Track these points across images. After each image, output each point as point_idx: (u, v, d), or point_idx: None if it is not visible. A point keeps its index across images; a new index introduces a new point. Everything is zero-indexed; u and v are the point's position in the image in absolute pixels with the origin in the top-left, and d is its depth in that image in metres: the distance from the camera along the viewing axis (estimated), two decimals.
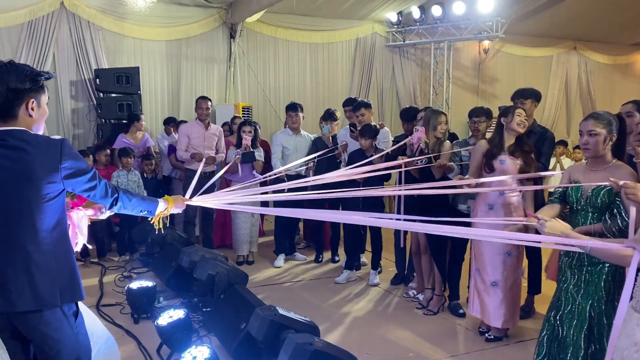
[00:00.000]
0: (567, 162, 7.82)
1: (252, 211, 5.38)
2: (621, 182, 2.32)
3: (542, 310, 4.29)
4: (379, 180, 4.77)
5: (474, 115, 4.56)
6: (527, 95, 4.30)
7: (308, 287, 5.27)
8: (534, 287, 4.47)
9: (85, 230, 2.54)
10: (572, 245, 2.13)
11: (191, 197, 2.72)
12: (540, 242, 2.50)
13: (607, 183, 2.58)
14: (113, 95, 7.43)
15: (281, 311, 3.06)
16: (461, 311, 4.45)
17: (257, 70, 9.13)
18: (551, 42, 11.42)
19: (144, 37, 8.22)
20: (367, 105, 5.54)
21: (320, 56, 9.66)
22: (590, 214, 2.78)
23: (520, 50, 11.18)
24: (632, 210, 2.36)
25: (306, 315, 3.33)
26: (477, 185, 3.78)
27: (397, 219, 3.37)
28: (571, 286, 2.84)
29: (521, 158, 3.80)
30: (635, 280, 2.11)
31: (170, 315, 3.54)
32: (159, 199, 2.54)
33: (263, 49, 9.18)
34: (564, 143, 8.35)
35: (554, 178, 5.18)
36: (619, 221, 2.64)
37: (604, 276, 2.72)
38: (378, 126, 5.68)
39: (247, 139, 5.67)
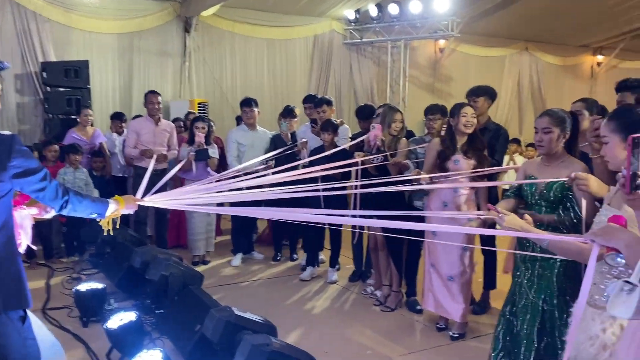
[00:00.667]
0: (519, 159, 8.00)
1: (207, 211, 5.25)
2: (573, 174, 2.37)
3: (497, 305, 4.36)
4: (341, 178, 4.70)
5: (429, 113, 4.59)
6: (480, 93, 4.35)
7: (266, 286, 5.19)
8: (489, 282, 4.53)
9: (29, 230, 2.38)
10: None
11: (143, 196, 2.59)
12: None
13: (562, 179, 2.64)
14: (61, 89, 7.13)
15: (237, 312, 2.97)
16: (418, 307, 4.47)
17: (213, 65, 8.95)
18: (504, 43, 11.68)
19: (94, 30, 7.93)
20: (329, 102, 5.54)
21: (278, 52, 9.56)
22: (543, 208, 2.83)
23: (475, 49, 11.38)
24: (583, 203, 2.40)
25: (264, 315, 3.26)
26: (435, 182, 3.81)
27: (353, 216, 3.34)
28: (525, 280, 2.88)
29: (475, 157, 3.82)
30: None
31: (121, 318, 3.39)
32: (109, 200, 2.40)
33: (219, 44, 9.02)
34: (516, 141, 8.54)
35: (508, 175, 5.28)
36: (571, 214, 2.69)
37: (556, 271, 2.76)
38: (338, 123, 5.66)
39: (200, 136, 5.52)
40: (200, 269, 5.23)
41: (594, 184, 2.34)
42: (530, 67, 12.24)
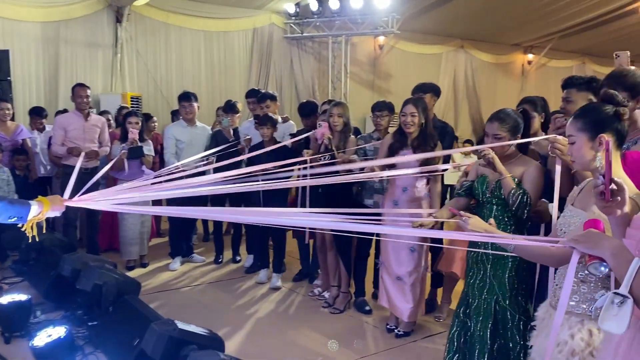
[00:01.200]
0: (458, 157, 8.10)
1: (142, 212, 4.93)
2: (551, 136, 2.32)
3: (452, 306, 4.35)
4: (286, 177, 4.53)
5: (376, 110, 4.49)
6: (426, 90, 4.30)
7: (208, 291, 4.94)
8: (437, 280, 4.50)
9: None
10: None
11: (71, 197, 2.31)
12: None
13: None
14: None
15: (180, 325, 2.74)
16: (367, 308, 4.38)
17: (147, 57, 8.51)
18: (441, 40, 11.86)
19: (16, 18, 7.32)
20: (273, 97, 5.36)
21: (216, 45, 9.23)
22: (495, 206, 2.80)
23: (413, 47, 11.48)
24: (555, 205, 2.35)
25: (206, 322, 3.05)
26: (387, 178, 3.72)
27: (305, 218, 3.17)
28: (477, 281, 2.84)
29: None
30: (554, 278, 2.09)
31: (49, 333, 3.09)
32: (31, 202, 2.11)
33: (153, 35, 8.58)
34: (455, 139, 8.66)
35: (454, 174, 5.27)
36: (526, 211, 2.66)
37: (509, 270, 2.74)
38: (281, 119, 5.48)
39: (133, 132, 5.15)
40: (136, 273, 4.91)
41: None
42: (466, 64, 12.50)
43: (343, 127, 4.28)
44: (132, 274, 4.97)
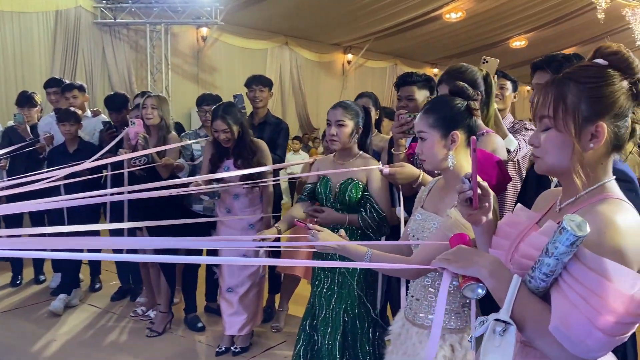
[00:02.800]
0: (289, 156, 8.05)
1: None
2: (385, 170, 2.18)
3: (293, 311, 4.13)
4: (90, 183, 3.81)
5: (203, 104, 4.09)
6: (265, 83, 4.04)
7: (2, 322, 4.06)
8: (274, 286, 4.26)
9: None
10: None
11: None
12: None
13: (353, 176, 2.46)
14: None
15: None
16: (200, 325, 3.96)
17: None
18: (266, 36, 11.73)
19: None
20: (81, 88, 4.64)
21: (9, 27, 7.89)
22: (339, 211, 2.61)
23: (238, 41, 11.18)
24: (402, 210, 2.22)
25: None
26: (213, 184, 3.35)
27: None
28: (325, 290, 2.64)
29: (244, 166, 3.34)
30: (407, 290, 1.94)
31: None
32: None
33: None
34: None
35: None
36: (375, 216, 2.51)
37: (357, 277, 2.57)
38: (90, 113, 4.77)
39: None
40: None
41: (405, 179, 2.21)
42: (291, 61, 12.55)
43: (160, 122, 3.78)
44: None
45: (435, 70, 15.40)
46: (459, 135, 1.71)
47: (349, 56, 14.02)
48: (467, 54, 14.48)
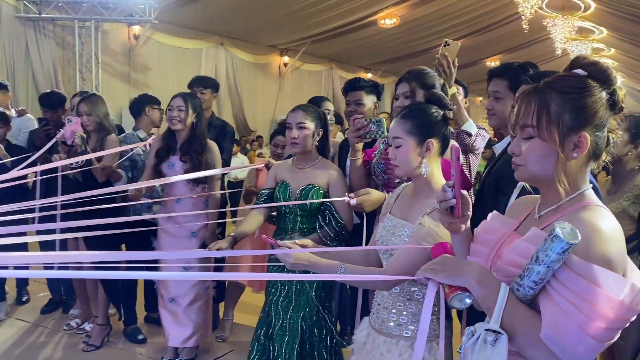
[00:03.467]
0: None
1: None
2: (352, 202, 2.15)
3: (238, 320, 4.01)
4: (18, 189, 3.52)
5: (147, 104, 3.93)
6: (207, 84, 3.91)
7: None
8: (218, 294, 4.12)
9: None
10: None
11: None
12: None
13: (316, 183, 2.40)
14: None
15: None
16: (140, 337, 3.77)
17: None
18: (201, 36, 11.47)
19: None
20: (3, 86, 4.29)
21: None
22: (299, 217, 2.54)
23: (172, 40, 10.86)
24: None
25: None
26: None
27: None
28: (281, 299, 2.56)
29: (191, 161, 3.23)
30: (375, 296, 1.91)
31: None
32: None
33: None
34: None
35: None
36: (334, 225, 2.47)
37: (315, 284, 2.52)
38: (15, 112, 4.46)
39: None
40: None
41: (372, 206, 2.19)
42: (227, 62, 12.34)
43: (98, 125, 3.58)
44: None
45: (369, 75, 15.64)
46: (434, 143, 1.72)
47: (286, 58, 13.97)
48: (400, 60, 14.84)
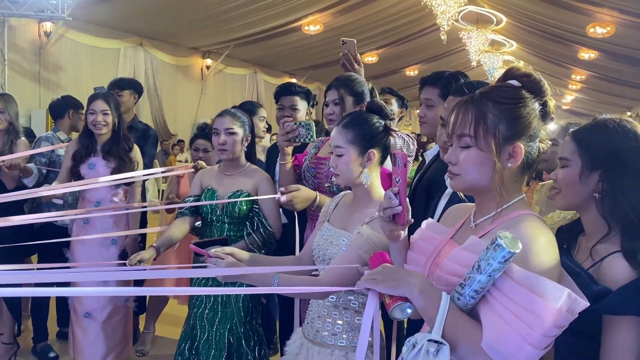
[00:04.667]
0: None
1: None
2: (282, 198, 2.10)
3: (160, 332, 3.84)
4: None
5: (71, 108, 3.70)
6: (124, 86, 3.73)
7: None
8: (139, 307, 3.92)
9: None
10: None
11: None
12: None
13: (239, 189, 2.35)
14: None
15: None
16: (52, 354, 3.51)
17: None
18: (118, 35, 10.98)
19: None
20: None
21: None
22: (227, 225, 2.47)
23: (87, 39, 10.31)
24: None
25: None
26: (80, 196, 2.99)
27: None
28: (207, 311, 2.47)
29: (116, 159, 3.13)
30: (310, 307, 1.87)
31: None
32: None
33: None
34: None
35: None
36: (262, 232, 2.41)
37: (242, 295, 2.44)
38: None
39: None
40: None
41: (303, 203, 2.15)
42: (146, 63, 11.90)
43: (9, 126, 3.32)
44: None
45: (294, 80, 15.67)
46: (376, 153, 1.71)
47: (208, 61, 13.68)
48: (324, 66, 14.98)
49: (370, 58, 15.12)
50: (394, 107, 3.26)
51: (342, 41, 2.63)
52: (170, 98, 12.55)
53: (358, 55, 2.63)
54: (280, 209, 2.48)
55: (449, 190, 1.89)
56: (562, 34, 11.96)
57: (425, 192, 2.10)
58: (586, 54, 12.63)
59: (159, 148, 11.65)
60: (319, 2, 11.11)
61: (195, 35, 12.09)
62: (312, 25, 12.11)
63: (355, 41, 2.64)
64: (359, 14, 11.70)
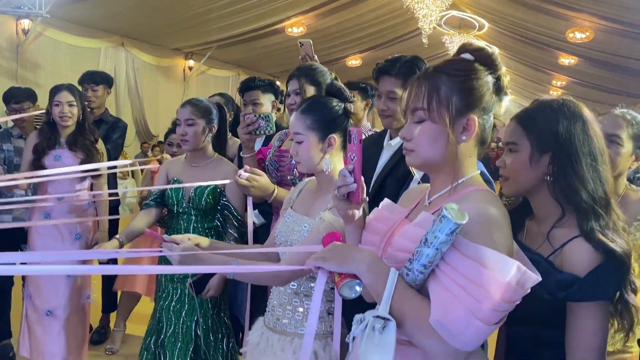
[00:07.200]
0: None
1: None
2: (243, 175, 2.05)
3: (132, 331, 3.76)
4: None
5: (12, 102, 3.60)
6: (99, 81, 3.68)
7: None
8: (109, 304, 3.86)
9: None
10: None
11: None
12: None
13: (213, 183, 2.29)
14: None
15: None
16: (11, 354, 3.40)
17: None
18: (99, 34, 10.86)
19: None
20: None
21: None
22: (193, 217, 2.42)
23: (67, 37, 10.18)
24: (250, 213, 2.11)
25: None
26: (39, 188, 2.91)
27: None
28: (173, 303, 2.42)
29: (83, 150, 3.06)
30: (269, 293, 1.83)
31: None
32: None
33: None
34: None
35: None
36: (234, 223, 2.37)
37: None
38: None
39: None
40: None
41: (259, 190, 2.11)
42: (127, 63, 11.78)
43: None
44: None
45: (278, 83, 15.62)
46: (336, 138, 1.68)
47: (191, 62, 13.58)
48: None
49: (354, 61, 15.14)
50: (358, 103, 3.22)
51: (300, 43, 2.70)
52: (151, 99, 12.43)
53: (315, 56, 2.70)
54: (256, 210, 2.43)
55: (416, 177, 1.86)
56: (542, 39, 12.08)
57: (396, 184, 2.06)
58: (566, 60, 12.77)
59: (138, 150, 11.56)
60: (302, 4, 11.10)
61: (177, 36, 12.00)
62: (296, 27, 12.07)
63: (311, 41, 2.70)
64: (343, 16, 11.71)
